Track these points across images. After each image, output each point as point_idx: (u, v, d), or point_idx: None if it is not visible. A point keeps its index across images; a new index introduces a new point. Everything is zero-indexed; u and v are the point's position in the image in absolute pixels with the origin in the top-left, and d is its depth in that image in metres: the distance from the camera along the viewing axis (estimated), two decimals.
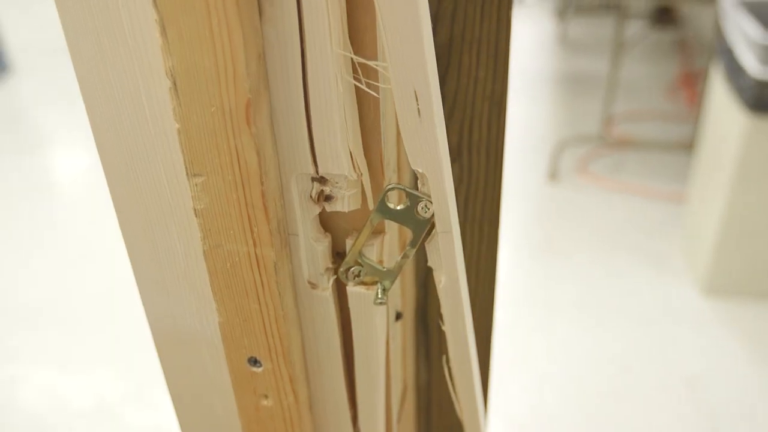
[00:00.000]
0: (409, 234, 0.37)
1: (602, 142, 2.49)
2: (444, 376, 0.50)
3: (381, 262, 0.38)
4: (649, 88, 3.01)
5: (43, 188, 2.48)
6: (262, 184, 0.32)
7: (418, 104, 0.31)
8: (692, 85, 3.00)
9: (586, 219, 2.13)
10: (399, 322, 0.49)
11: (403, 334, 0.52)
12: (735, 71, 1.55)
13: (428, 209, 0.35)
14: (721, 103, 1.66)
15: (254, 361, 0.39)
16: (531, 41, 3.67)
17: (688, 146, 2.29)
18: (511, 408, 1.47)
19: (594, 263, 1.92)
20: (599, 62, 3.27)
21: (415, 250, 0.37)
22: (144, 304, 0.41)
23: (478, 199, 0.48)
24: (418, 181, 0.34)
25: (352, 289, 0.38)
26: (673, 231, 2.03)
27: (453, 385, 0.43)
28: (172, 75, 0.30)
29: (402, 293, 0.49)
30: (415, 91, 0.31)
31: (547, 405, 1.48)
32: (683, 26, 3.68)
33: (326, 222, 0.38)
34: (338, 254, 0.39)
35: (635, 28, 3.58)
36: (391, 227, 0.41)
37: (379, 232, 0.38)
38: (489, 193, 0.48)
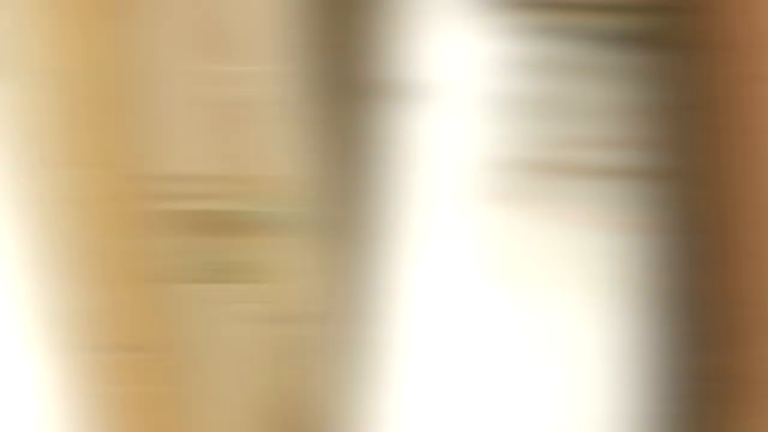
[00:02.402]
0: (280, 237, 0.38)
1: (553, 167, 2.50)
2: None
3: (250, 263, 0.40)
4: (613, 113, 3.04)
5: None
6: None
7: (265, 107, 0.33)
8: None
9: (538, 248, 2.13)
10: (279, 326, 0.50)
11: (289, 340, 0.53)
12: None
13: (282, 212, 0.37)
14: None
15: (125, 348, 0.40)
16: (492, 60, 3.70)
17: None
18: None
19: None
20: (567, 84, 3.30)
21: (272, 254, 0.38)
22: None
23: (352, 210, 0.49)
24: (273, 186, 0.36)
25: (210, 287, 0.40)
26: None
27: None
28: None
29: (302, 296, 0.50)
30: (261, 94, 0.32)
31: None
32: None
33: (198, 221, 0.40)
34: (212, 253, 0.41)
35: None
36: (275, 231, 0.42)
37: (251, 233, 0.40)
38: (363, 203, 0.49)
